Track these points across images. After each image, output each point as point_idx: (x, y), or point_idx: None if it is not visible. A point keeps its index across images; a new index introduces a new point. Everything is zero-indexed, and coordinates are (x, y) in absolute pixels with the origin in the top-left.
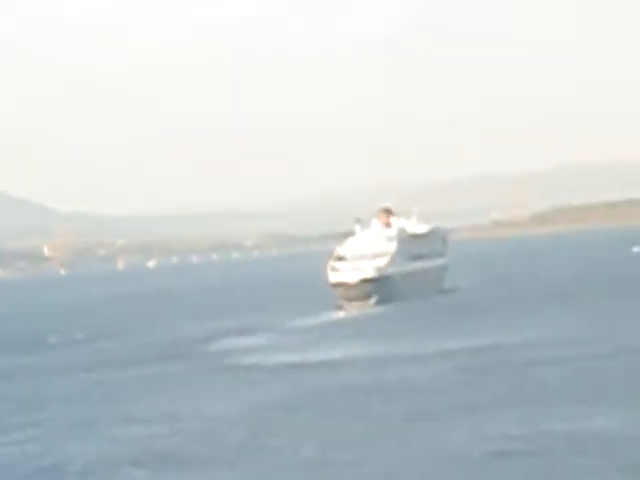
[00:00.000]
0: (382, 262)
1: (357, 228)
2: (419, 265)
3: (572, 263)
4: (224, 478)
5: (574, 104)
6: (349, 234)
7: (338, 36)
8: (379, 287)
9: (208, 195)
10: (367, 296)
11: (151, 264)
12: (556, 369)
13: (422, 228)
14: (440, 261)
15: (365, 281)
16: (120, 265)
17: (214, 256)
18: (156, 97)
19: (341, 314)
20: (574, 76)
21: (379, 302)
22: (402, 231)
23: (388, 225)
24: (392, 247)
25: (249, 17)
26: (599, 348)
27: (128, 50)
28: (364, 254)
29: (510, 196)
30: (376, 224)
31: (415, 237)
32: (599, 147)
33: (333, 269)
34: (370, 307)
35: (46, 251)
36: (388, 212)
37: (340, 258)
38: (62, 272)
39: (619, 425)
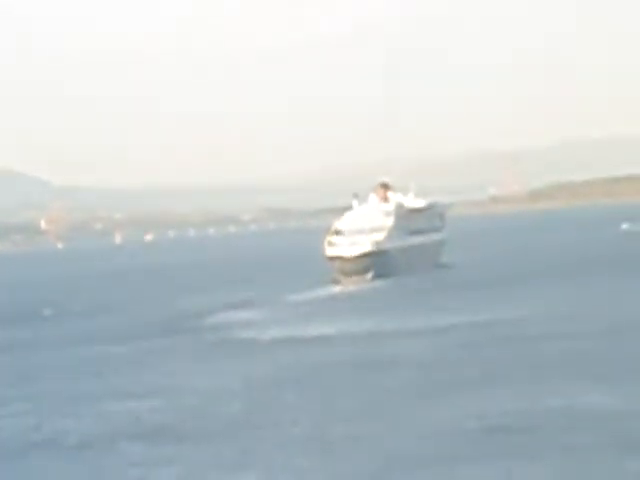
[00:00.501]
0: (379, 237)
1: (355, 203)
2: (416, 240)
3: (563, 240)
4: (220, 452)
5: (571, 80)
6: (347, 209)
7: (337, 20)
8: (376, 262)
9: (205, 169)
10: (364, 270)
11: (148, 238)
12: (552, 345)
13: (420, 203)
14: (438, 236)
15: (362, 255)
16: (117, 239)
17: (211, 230)
18: (153, 79)
19: (338, 288)
20: (572, 52)
21: (376, 277)
22: (400, 206)
23: (386, 200)
24: (389, 222)
25: (246, 5)
26: (591, 325)
27: (131, 31)
28: (361, 228)
29: (508, 172)
30: (374, 199)
31: (413, 212)
32: (598, 123)
33: (330, 243)
34: (367, 282)
35: (43, 225)
36: (386, 187)
37: (337, 232)
38: (59, 246)
39: (615, 401)
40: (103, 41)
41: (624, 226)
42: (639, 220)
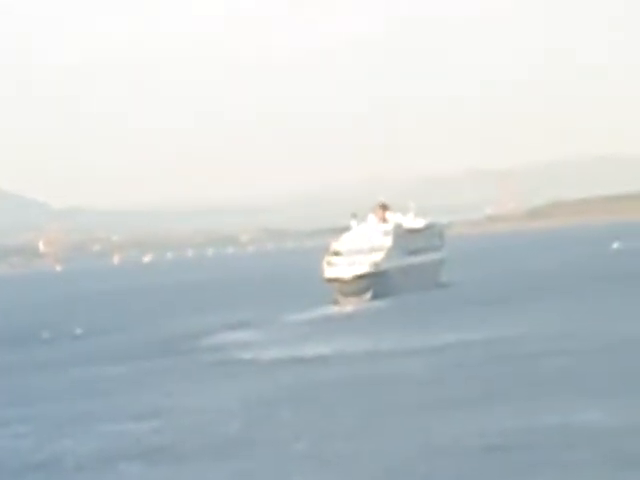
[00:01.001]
0: (378, 257)
1: (353, 223)
2: (415, 260)
3: (559, 259)
4: (217, 472)
5: (568, 99)
6: (345, 229)
7: (326, 36)
8: (375, 282)
9: (203, 190)
10: (363, 291)
11: (147, 259)
12: (549, 362)
13: (419, 223)
14: (436, 256)
15: (361, 276)
16: (116, 260)
17: (210, 251)
18: (150, 96)
19: (337, 309)
20: (570, 69)
21: (375, 297)
22: (398, 226)
23: (384, 220)
24: (388, 242)
25: (236, 17)
26: (586, 342)
27: (130, 49)
28: (360, 249)
29: (505, 191)
30: (372, 219)
31: (411, 232)
32: (595, 141)
33: (329, 264)
34: (366, 302)
35: (41, 247)
36: (384, 207)
37: (336, 253)
38: (57, 268)
39: (612, 418)
40: (107, 56)
41: (615, 245)
42: (632, 238)
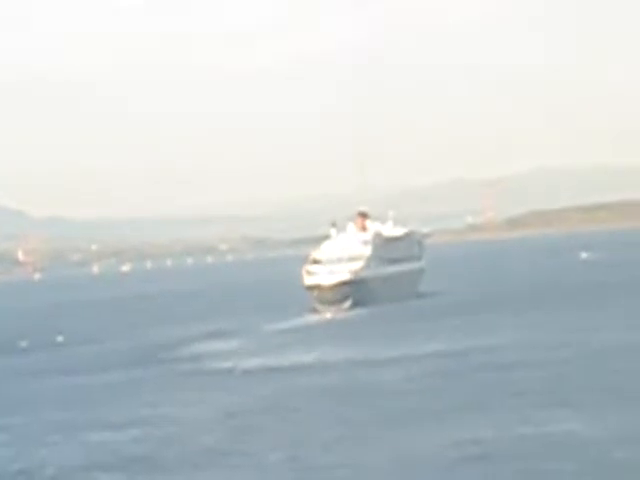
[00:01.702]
0: (357, 265)
1: (333, 232)
2: (395, 269)
3: (534, 269)
4: None
5: (547, 108)
6: (325, 238)
7: (303, 49)
8: (354, 290)
9: (181, 199)
10: (342, 299)
11: (125, 269)
12: (527, 372)
13: (398, 232)
14: (416, 265)
15: (340, 284)
16: (95, 270)
17: (189, 260)
18: (133, 105)
19: (316, 317)
20: (546, 78)
21: (354, 305)
22: (378, 235)
23: (364, 229)
24: (367, 251)
25: (223, 31)
26: (563, 352)
27: (97, 63)
28: (339, 257)
29: (485, 200)
30: (352, 228)
31: (391, 241)
32: (574, 151)
33: (308, 272)
34: (345, 310)
35: (20, 256)
36: (364, 216)
37: (316, 261)
38: (36, 277)
39: (589, 428)
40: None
41: (583, 255)
42: (603, 248)
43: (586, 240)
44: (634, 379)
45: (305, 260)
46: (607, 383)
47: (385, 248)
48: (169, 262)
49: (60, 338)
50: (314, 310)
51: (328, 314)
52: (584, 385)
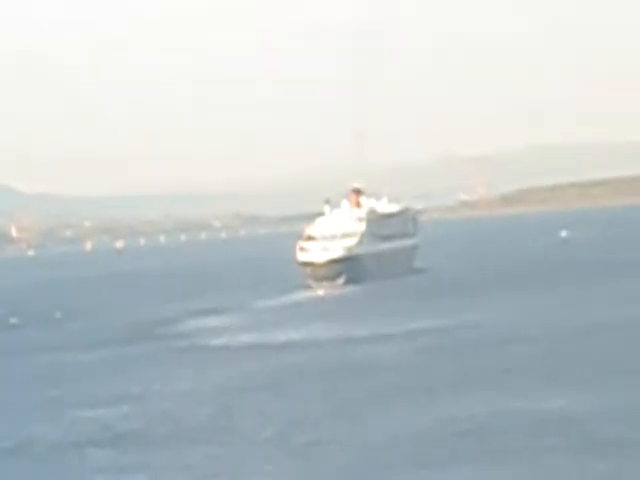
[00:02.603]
0: (351, 242)
1: (326, 209)
2: (389, 245)
3: (526, 246)
4: (188, 458)
5: (540, 85)
6: (319, 214)
7: (301, 23)
8: (348, 267)
9: (175, 176)
10: (336, 276)
11: (119, 245)
12: (519, 348)
13: (392, 208)
14: (410, 241)
15: (333, 261)
16: (88, 246)
17: (182, 237)
18: (124, 81)
19: (309, 294)
20: (540, 56)
21: (348, 282)
22: (372, 211)
23: (358, 205)
24: (361, 227)
25: (207, 10)
26: (555, 329)
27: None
28: (333, 234)
29: (477, 177)
30: (346, 205)
31: (385, 217)
32: (567, 128)
33: (302, 249)
34: (339, 287)
35: (14, 232)
36: (358, 192)
37: (309, 238)
38: (30, 253)
39: (580, 404)
40: (73, 47)
41: (563, 234)
42: (581, 227)
43: (575, 217)
44: (619, 355)
45: (299, 237)
46: (599, 360)
47: (379, 225)
48: (162, 239)
49: (51, 314)
50: (308, 287)
51: (321, 291)
52: (575, 362)
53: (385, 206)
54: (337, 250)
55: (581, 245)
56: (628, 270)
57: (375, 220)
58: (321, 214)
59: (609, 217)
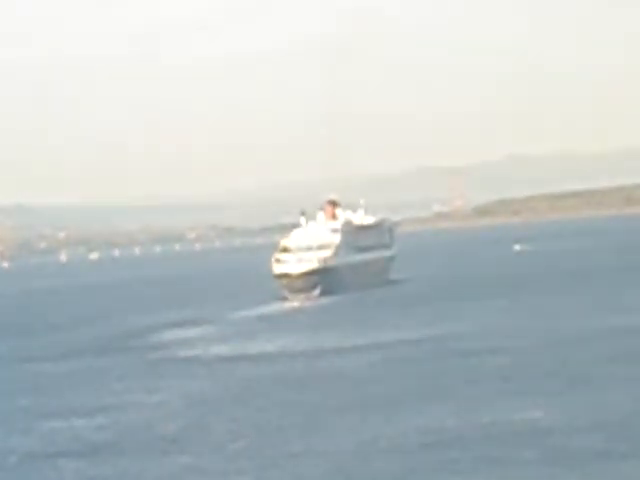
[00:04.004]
0: (326, 254)
1: (302, 220)
2: (364, 257)
3: (499, 257)
4: (158, 469)
5: (512, 96)
6: (295, 226)
7: (277, 35)
8: (323, 278)
9: (149, 187)
10: (311, 287)
11: (93, 256)
12: (490, 360)
13: (368, 220)
14: (386, 253)
15: (309, 272)
16: (63, 257)
17: (157, 249)
18: (98, 91)
19: (285, 305)
20: (514, 67)
21: (323, 293)
22: (348, 223)
23: (334, 217)
24: (336, 239)
25: (185, 18)
26: (526, 340)
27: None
28: (309, 246)
29: (452, 189)
30: (321, 216)
31: (361, 229)
32: (542, 139)
33: (277, 260)
34: (314, 298)
35: None
36: (334, 204)
37: (285, 250)
38: (4, 265)
39: (549, 415)
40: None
41: (516, 247)
42: (535, 240)
43: (543, 229)
44: (593, 366)
45: (274, 248)
46: (571, 371)
47: (355, 236)
48: (137, 250)
49: (25, 325)
50: (283, 298)
51: (297, 302)
52: (545, 372)
53: (361, 218)
54: (312, 262)
55: (531, 258)
56: (570, 282)
57: (351, 232)
58: (297, 226)
59: (576, 229)
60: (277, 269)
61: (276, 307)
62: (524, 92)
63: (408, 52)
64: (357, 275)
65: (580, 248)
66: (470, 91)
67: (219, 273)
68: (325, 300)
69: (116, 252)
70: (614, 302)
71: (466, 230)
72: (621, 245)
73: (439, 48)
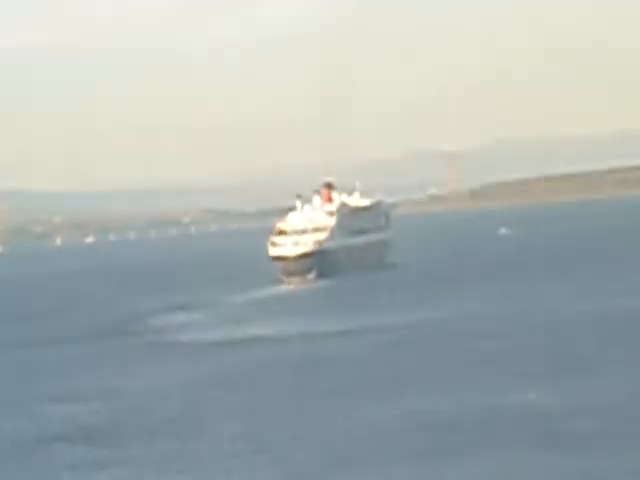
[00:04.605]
0: (321, 236)
1: (298, 203)
2: (360, 239)
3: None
4: (154, 453)
5: (508, 80)
6: (290, 210)
7: (272, 23)
8: (318, 261)
9: (144, 172)
10: (306, 270)
11: (89, 241)
12: (485, 343)
13: (364, 203)
14: (382, 235)
15: (304, 255)
16: (58, 242)
17: (152, 233)
18: (91, 76)
19: (280, 288)
20: (508, 52)
21: (318, 276)
22: (343, 206)
23: (330, 200)
24: (332, 222)
25: (178, 6)
26: (520, 323)
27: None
28: (304, 229)
29: (447, 172)
30: (317, 199)
31: (357, 212)
32: (535, 122)
33: (273, 244)
34: (309, 281)
35: None
36: (330, 187)
37: (281, 233)
38: None
39: (542, 398)
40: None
41: (502, 231)
42: (521, 224)
43: (535, 213)
44: (589, 348)
45: (270, 232)
46: (565, 354)
47: (351, 219)
48: (132, 234)
49: (22, 311)
50: (279, 281)
51: (293, 285)
52: (539, 356)
53: (357, 200)
54: (308, 244)
55: (515, 242)
56: (553, 266)
57: (346, 214)
58: (293, 209)
59: (569, 212)
60: (273, 252)
61: (272, 290)
62: (520, 76)
63: (406, 36)
64: (353, 258)
65: (567, 231)
66: (467, 75)
67: (215, 257)
68: (321, 283)
69: (111, 236)
70: (595, 286)
71: (462, 213)
72: (612, 229)
73: (436, 33)
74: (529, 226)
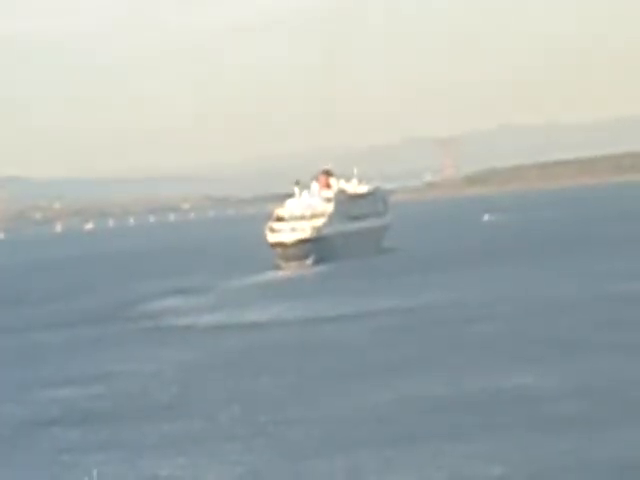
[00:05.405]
0: (319, 222)
1: (296, 190)
2: (357, 225)
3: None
4: (153, 436)
5: (504, 65)
6: (288, 196)
7: (277, 5)
8: (316, 247)
9: (143, 158)
10: (304, 256)
11: (89, 227)
12: (483, 327)
13: (362, 189)
14: (379, 221)
15: (302, 241)
16: (58, 228)
17: (151, 219)
18: (88, 64)
19: (278, 274)
20: (504, 34)
21: (316, 262)
22: (341, 192)
23: (328, 187)
24: (330, 208)
25: None
26: (519, 307)
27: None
28: (302, 215)
29: (443, 158)
30: (315, 186)
31: (355, 198)
32: (531, 108)
33: (271, 230)
34: (307, 267)
35: None
36: (328, 174)
37: (279, 219)
38: (0, 236)
39: (537, 382)
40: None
41: (486, 217)
42: (506, 210)
43: (528, 199)
44: (578, 332)
45: (268, 218)
46: (560, 338)
47: (348, 205)
48: (132, 220)
49: (22, 296)
50: (277, 267)
51: (290, 271)
52: (537, 339)
53: (355, 187)
54: (306, 230)
55: (497, 228)
56: (537, 252)
57: (344, 201)
58: (291, 195)
59: (561, 197)
60: (271, 238)
61: (270, 275)
62: (515, 62)
63: (404, 22)
64: (350, 243)
65: (554, 217)
66: (462, 61)
67: (213, 243)
68: (318, 268)
69: (110, 223)
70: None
71: (457, 199)
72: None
73: (435, 19)
74: (518, 212)
